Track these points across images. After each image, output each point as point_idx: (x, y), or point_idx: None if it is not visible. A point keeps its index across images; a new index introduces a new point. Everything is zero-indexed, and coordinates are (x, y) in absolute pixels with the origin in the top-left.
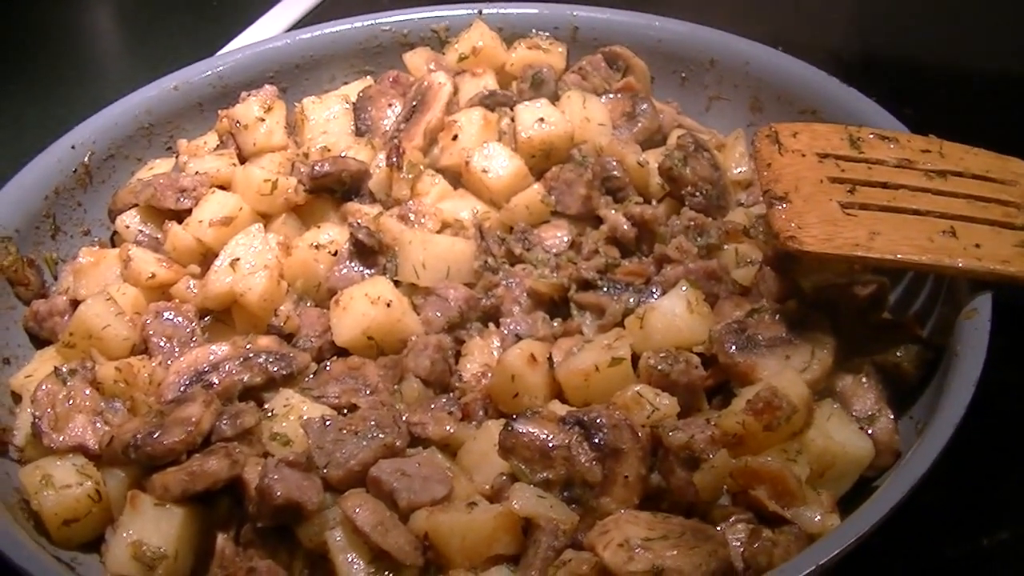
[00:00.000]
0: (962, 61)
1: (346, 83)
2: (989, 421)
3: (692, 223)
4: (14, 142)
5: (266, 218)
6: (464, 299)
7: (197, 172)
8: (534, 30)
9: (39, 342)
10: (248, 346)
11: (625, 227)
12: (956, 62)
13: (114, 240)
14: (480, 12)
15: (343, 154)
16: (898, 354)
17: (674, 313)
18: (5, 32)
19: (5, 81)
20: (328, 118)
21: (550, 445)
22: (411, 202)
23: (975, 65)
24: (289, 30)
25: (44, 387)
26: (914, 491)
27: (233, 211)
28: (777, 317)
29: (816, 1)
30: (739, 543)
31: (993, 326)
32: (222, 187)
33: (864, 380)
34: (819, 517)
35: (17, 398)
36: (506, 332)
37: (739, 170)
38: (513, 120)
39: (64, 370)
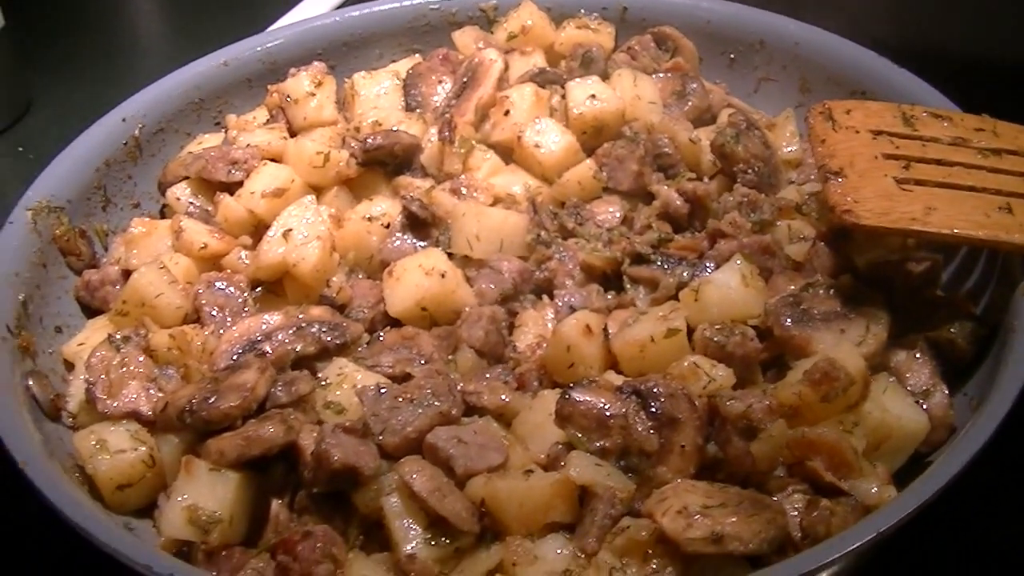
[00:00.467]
0: (1008, 49)
1: (394, 61)
2: None
3: (745, 199)
4: (62, 120)
5: (317, 191)
6: (517, 271)
7: (248, 145)
8: (582, 10)
9: (90, 312)
10: (301, 316)
11: (678, 203)
12: (1002, 50)
13: (163, 212)
14: None
15: (395, 128)
16: (952, 330)
17: (729, 286)
18: (54, 15)
19: (55, 62)
20: (378, 93)
21: (607, 414)
22: (463, 176)
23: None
24: (338, 8)
25: (98, 354)
26: (971, 465)
27: (285, 183)
28: (831, 292)
29: None
30: (796, 513)
31: None
32: (273, 160)
33: (918, 355)
34: (875, 489)
35: (69, 366)
36: (560, 304)
37: (789, 149)
38: (564, 97)
39: (118, 337)
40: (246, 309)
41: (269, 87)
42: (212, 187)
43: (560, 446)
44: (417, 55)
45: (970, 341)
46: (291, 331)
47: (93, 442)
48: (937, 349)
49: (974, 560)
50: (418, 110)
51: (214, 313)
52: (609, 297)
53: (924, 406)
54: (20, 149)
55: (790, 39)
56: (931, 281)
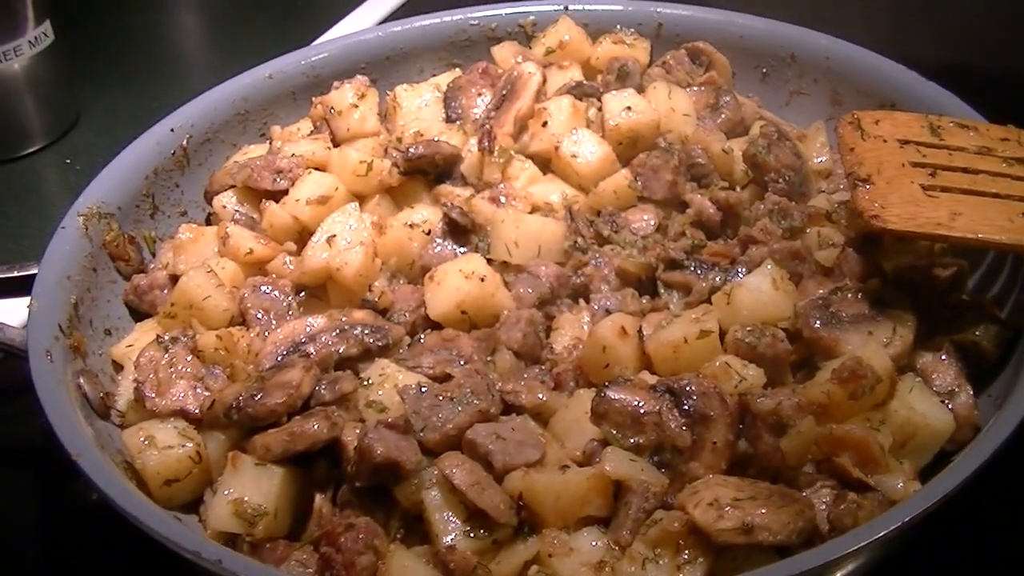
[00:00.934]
0: None
1: (435, 75)
2: None
3: (776, 207)
4: (109, 133)
5: (361, 199)
6: (555, 276)
7: (293, 155)
8: (619, 26)
9: (138, 315)
10: (344, 319)
11: (711, 211)
12: None
13: (210, 220)
14: (566, 8)
15: (436, 139)
16: (977, 333)
17: (760, 289)
18: (100, 32)
19: (100, 76)
20: (420, 106)
21: (641, 411)
22: (502, 185)
23: None
24: (380, 24)
25: (147, 354)
26: (993, 460)
27: (329, 191)
28: (860, 295)
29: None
30: (824, 506)
31: None
32: (317, 169)
33: (944, 357)
34: (901, 484)
35: (118, 367)
36: (596, 308)
37: (820, 159)
38: (600, 110)
39: (166, 338)
40: (290, 312)
41: (313, 99)
42: (257, 195)
43: (595, 443)
44: (457, 69)
45: (995, 344)
46: (334, 333)
47: (142, 438)
48: (963, 351)
49: (995, 561)
50: (458, 122)
51: (259, 316)
52: (644, 301)
53: (949, 406)
54: (68, 161)
55: (821, 53)
56: (957, 286)
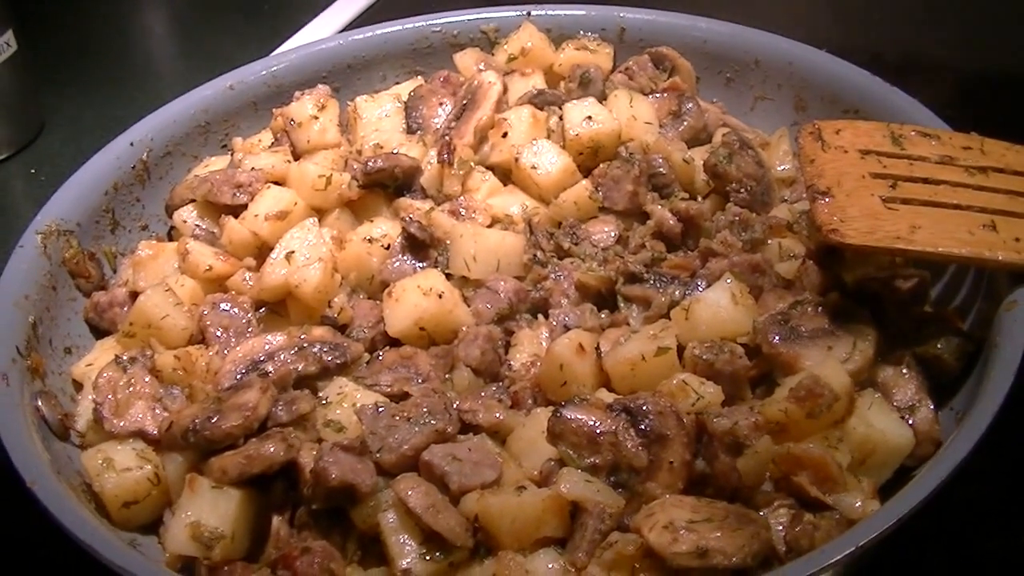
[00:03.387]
0: (1003, 63)
1: (397, 83)
2: None
3: (736, 218)
4: (73, 142)
5: (320, 213)
6: (514, 291)
7: (252, 168)
8: (582, 31)
9: (99, 332)
10: (303, 336)
11: (671, 222)
12: (997, 64)
13: (171, 235)
14: (529, 14)
15: (395, 151)
16: (939, 346)
17: (719, 304)
18: (64, 40)
19: (65, 85)
20: (380, 116)
21: (597, 431)
22: (462, 198)
23: (1018, 68)
24: (341, 32)
25: (105, 374)
26: (953, 478)
27: (288, 206)
28: (820, 309)
29: (857, 4)
30: (781, 527)
31: None
32: (277, 183)
33: (905, 371)
34: (860, 503)
35: (78, 386)
36: (555, 323)
37: (783, 167)
38: (561, 118)
39: (124, 358)
40: (250, 329)
41: (274, 111)
42: (218, 210)
43: (553, 462)
44: (420, 77)
45: (956, 357)
46: (293, 351)
47: (100, 461)
48: (924, 364)
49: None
50: (419, 132)
51: (219, 334)
52: (603, 316)
53: (910, 421)
54: (32, 171)
55: (784, 58)
56: (919, 297)
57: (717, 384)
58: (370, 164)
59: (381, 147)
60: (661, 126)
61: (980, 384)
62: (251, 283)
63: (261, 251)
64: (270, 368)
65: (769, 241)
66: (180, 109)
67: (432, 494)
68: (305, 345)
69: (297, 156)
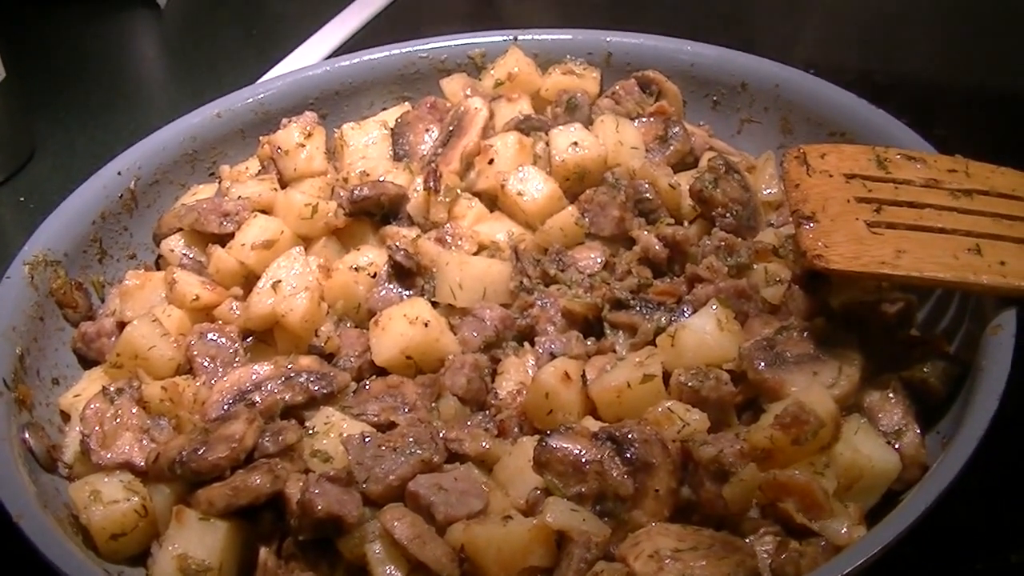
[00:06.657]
0: (990, 82)
1: (385, 109)
2: (1018, 436)
3: (722, 243)
4: (64, 169)
5: (307, 241)
6: (500, 319)
7: (239, 197)
8: (568, 56)
9: (87, 363)
10: (290, 366)
11: (657, 248)
12: (984, 83)
13: (159, 263)
14: (515, 39)
15: (382, 178)
16: (925, 370)
17: (704, 331)
18: (54, 63)
19: (55, 110)
20: (367, 143)
21: (583, 460)
22: (448, 225)
23: (1003, 85)
24: (328, 58)
25: (92, 406)
26: (939, 502)
27: (275, 235)
28: (805, 334)
29: (843, 24)
30: (767, 554)
31: (1018, 341)
32: (264, 211)
33: (891, 395)
34: (846, 529)
35: (66, 417)
36: (541, 351)
37: (769, 191)
38: (548, 144)
39: (112, 389)
40: (237, 359)
41: (261, 138)
42: (205, 239)
43: (539, 491)
44: (407, 103)
45: (943, 380)
46: (280, 381)
47: (87, 493)
48: (910, 388)
49: None
50: (406, 159)
51: (206, 364)
52: (590, 343)
53: (896, 446)
54: (22, 199)
55: (771, 81)
56: (905, 321)
57: (703, 411)
58: (356, 192)
59: (367, 175)
60: (648, 151)
61: (966, 408)
62: (238, 312)
63: (248, 280)
64: (257, 398)
65: (755, 266)
66: (167, 137)
67: (418, 524)
68: (292, 375)
69: (284, 184)
